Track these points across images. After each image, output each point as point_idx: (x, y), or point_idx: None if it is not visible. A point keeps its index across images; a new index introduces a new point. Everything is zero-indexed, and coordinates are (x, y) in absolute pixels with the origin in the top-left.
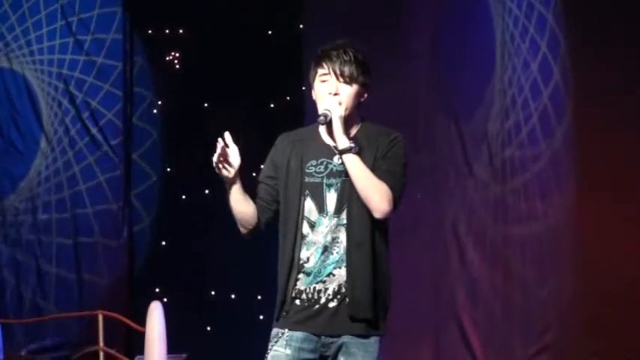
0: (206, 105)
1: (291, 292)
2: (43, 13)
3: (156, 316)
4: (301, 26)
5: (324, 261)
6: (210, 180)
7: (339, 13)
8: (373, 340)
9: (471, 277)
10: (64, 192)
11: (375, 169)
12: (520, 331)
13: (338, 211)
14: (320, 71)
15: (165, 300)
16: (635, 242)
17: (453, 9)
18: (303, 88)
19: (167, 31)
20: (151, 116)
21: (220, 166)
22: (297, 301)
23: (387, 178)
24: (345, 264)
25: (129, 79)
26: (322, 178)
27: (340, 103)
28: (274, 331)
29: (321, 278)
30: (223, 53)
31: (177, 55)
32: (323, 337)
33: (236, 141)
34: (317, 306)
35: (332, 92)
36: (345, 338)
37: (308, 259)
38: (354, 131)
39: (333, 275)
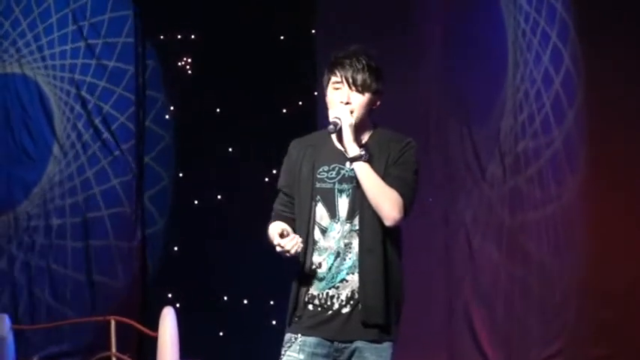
0: (218, 110)
1: (304, 297)
2: (54, 18)
3: (168, 321)
4: (313, 31)
5: (337, 267)
6: (222, 185)
7: (350, 17)
8: (386, 346)
9: (486, 284)
10: (78, 196)
11: (386, 175)
12: (537, 340)
13: (350, 217)
14: (333, 79)
15: (177, 305)
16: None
17: (464, 10)
18: (315, 93)
19: (179, 36)
20: (163, 120)
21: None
22: (310, 306)
23: (397, 185)
24: (357, 270)
25: (141, 83)
26: (334, 183)
27: (352, 112)
28: (287, 336)
29: (334, 284)
30: (235, 58)
31: (189, 60)
32: (336, 343)
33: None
34: (330, 312)
35: (344, 101)
36: (359, 343)
37: (320, 264)
38: (365, 138)
39: (346, 281)
